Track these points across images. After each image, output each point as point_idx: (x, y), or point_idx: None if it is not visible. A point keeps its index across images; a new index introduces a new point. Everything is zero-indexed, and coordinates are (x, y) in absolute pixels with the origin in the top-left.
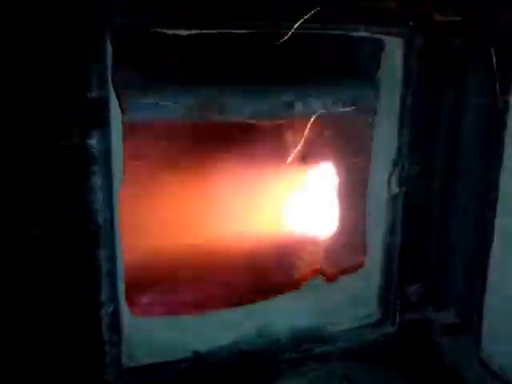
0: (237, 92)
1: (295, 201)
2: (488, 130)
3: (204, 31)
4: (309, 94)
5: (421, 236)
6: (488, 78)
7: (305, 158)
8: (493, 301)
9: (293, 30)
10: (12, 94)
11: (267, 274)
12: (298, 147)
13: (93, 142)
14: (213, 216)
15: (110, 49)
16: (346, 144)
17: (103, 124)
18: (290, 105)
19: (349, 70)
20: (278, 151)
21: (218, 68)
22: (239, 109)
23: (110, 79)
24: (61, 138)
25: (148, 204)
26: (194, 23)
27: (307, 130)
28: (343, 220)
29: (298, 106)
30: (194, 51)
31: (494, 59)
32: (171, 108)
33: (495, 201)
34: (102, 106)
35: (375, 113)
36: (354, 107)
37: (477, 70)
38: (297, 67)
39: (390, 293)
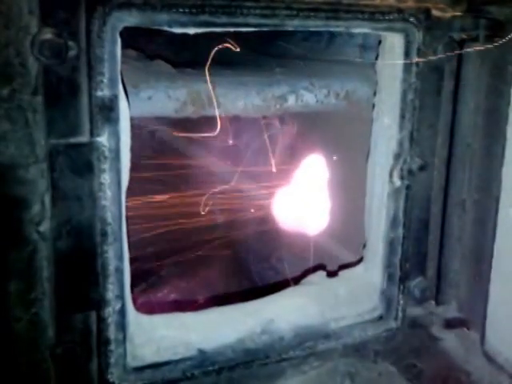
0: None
1: (293, 195)
2: (490, 122)
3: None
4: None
5: (423, 229)
6: (489, 70)
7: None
8: (496, 293)
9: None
10: None
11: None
12: None
13: (103, 139)
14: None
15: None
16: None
17: (113, 122)
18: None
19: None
20: None
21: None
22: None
23: (119, 77)
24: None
25: None
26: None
27: None
28: (342, 214)
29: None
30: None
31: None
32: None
33: (498, 194)
34: (112, 104)
35: (373, 106)
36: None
37: (477, 63)
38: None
39: (393, 287)
